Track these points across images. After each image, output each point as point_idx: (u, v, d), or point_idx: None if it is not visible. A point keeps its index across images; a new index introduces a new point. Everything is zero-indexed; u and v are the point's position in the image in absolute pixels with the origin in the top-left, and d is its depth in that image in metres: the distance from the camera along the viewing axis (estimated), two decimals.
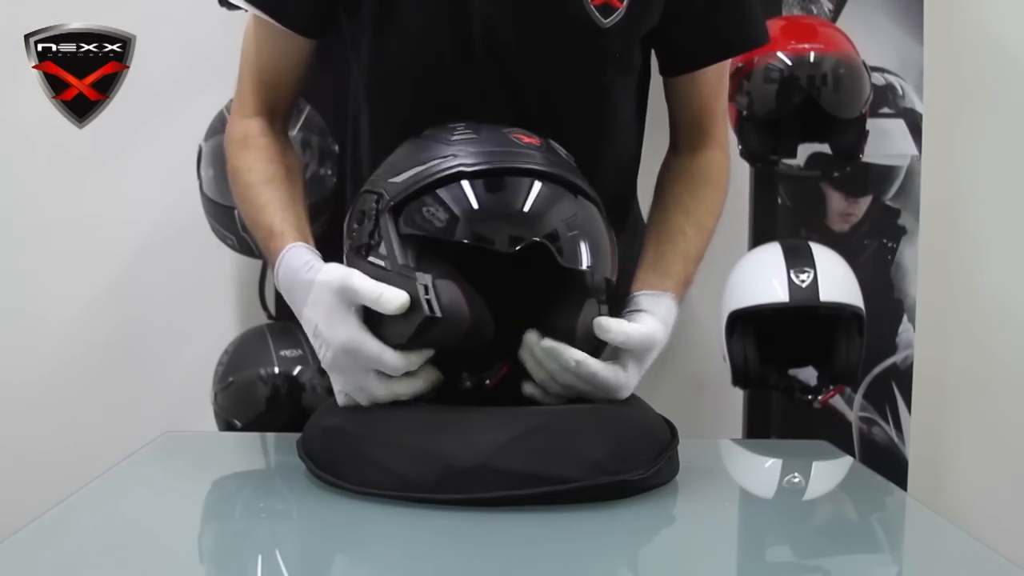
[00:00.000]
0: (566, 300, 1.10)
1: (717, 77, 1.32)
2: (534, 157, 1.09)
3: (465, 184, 1.06)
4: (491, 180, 1.07)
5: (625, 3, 1.18)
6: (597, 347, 1.09)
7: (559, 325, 1.08)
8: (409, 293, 1.03)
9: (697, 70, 1.29)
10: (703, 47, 1.28)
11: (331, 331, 1.07)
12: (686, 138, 1.33)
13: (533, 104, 1.22)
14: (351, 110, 1.33)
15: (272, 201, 1.20)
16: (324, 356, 1.09)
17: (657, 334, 1.14)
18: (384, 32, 1.22)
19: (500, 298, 1.07)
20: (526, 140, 1.11)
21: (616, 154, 1.32)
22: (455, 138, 1.10)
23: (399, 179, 1.09)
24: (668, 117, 1.34)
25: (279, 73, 1.28)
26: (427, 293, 1.03)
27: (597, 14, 1.18)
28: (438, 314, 1.03)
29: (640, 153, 1.37)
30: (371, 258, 1.07)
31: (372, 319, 1.06)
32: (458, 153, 1.08)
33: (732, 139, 2.01)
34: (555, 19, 1.19)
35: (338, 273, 1.07)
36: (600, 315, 1.09)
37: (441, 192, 1.06)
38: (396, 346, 1.06)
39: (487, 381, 1.09)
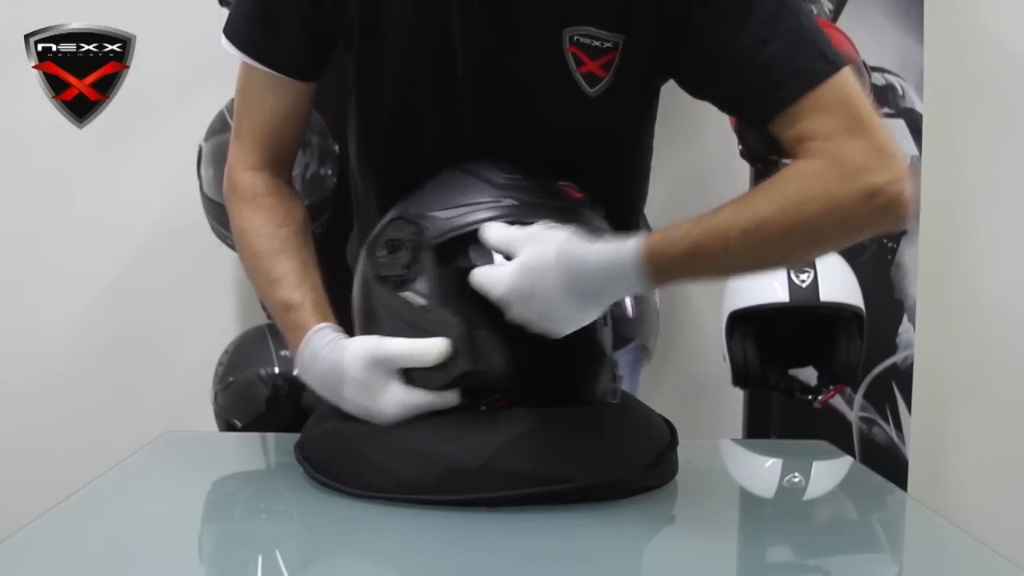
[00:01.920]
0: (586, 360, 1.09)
1: (805, 110, 1.02)
2: (585, 215, 1.07)
3: None
4: None
5: (611, 72, 1.11)
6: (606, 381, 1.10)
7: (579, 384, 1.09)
8: (450, 340, 1.02)
9: (766, 124, 1.05)
10: (759, 98, 1.04)
11: (382, 407, 1.04)
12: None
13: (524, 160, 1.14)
14: (348, 123, 1.29)
15: (287, 274, 1.15)
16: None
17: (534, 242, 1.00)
18: (367, 82, 1.18)
19: (518, 338, 1.05)
20: (573, 195, 1.09)
21: (615, 206, 1.21)
22: (503, 181, 1.08)
23: (443, 215, 1.05)
24: None
25: (280, 119, 1.22)
26: (471, 344, 1.02)
27: (584, 83, 1.12)
28: (481, 367, 1.02)
29: (643, 197, 1.31)
30: (407, 293, 1.05)
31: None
32: (510, 199, 1.06)
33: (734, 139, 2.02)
34: (541, 89, 1.13)
35: (367, 346, 1.05)
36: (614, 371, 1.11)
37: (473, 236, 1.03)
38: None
39: (483, 408, 1.09)
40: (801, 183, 0.99)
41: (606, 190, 1.17)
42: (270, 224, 1.19)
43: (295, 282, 1.14)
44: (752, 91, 1.04)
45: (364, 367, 1.04)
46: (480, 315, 1.02)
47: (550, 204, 1.07)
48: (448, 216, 1.05)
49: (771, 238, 0.97)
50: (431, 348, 1.01)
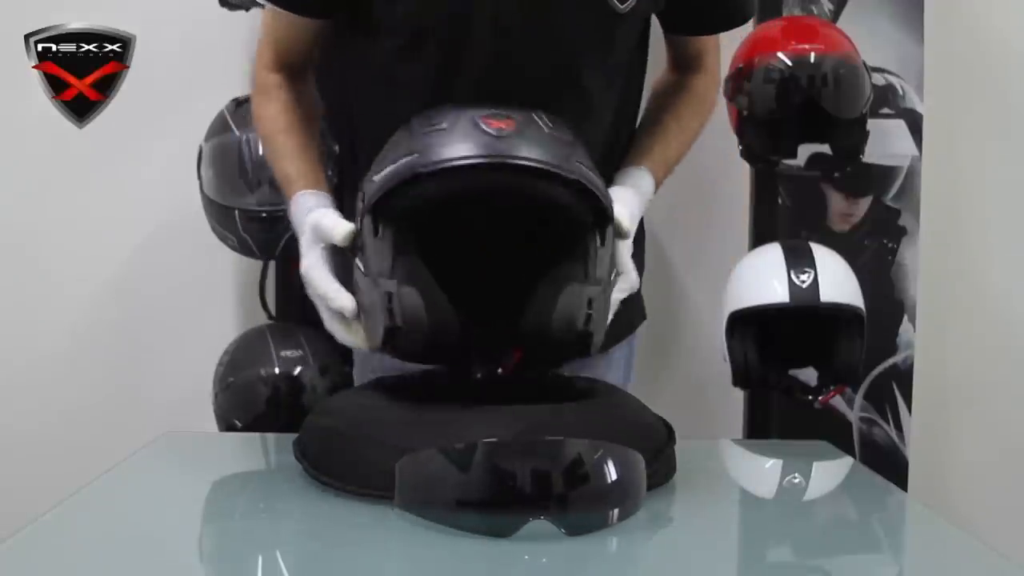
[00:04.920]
0: (551, 282, 1.08)
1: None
2: (494, 146, 1.05)
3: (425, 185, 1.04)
4: (444, 177, 1.05)
5: None
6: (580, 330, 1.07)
7: (544, 309, 1.07)
8: (378, 299, 1.04)
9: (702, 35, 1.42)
10: (710, 18, 1.40)
11: (302, 261, 1.18)
12: (681, 66, 1.45)
13: (531, 88, 1.20)
14: (346, 109, 1.37)
15: (287, 150, 1.32)
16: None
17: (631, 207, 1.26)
18: (381, 12, 1.23)
19: (489, 285, 1.06)
20: (495, 125, 1.07)
21: (612, 129, 1.35)
22: (428, 130, 1.09)
23: (377, 178, 1.08)
24: (666, 46, 1.44)
25: (295, 40, 1.35)
26: (390, 302, 1.03)
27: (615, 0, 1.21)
28: (399, 323, 1.03)
29: (635, 124, 1.42)
30: (357, 260, 1.09)
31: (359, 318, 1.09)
32: (423, 150, 1.06)
33: (733, 136, 2.02)
34: (570, 4, 1.20)
35: (315, 215, 1.19)
36: (584, 295, 1.08)
37: (405, 192, 1.05)
38: (372, 348, 1.09)
39: (500, 370, 1.08)
40: (703, 98, 1.45)
41: (606, 112, 1.32)
42: (278, 110, 1.34)
43: (293, 155, 1.31)
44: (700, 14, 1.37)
45: (309, 228, 1.18)
46: (407, 271, 1.04)
47: (461, 145, 1.06)
48: (379, 179, 1.07)
49: (695, 136, 1.44)
50: (341, 230, 1.13)
